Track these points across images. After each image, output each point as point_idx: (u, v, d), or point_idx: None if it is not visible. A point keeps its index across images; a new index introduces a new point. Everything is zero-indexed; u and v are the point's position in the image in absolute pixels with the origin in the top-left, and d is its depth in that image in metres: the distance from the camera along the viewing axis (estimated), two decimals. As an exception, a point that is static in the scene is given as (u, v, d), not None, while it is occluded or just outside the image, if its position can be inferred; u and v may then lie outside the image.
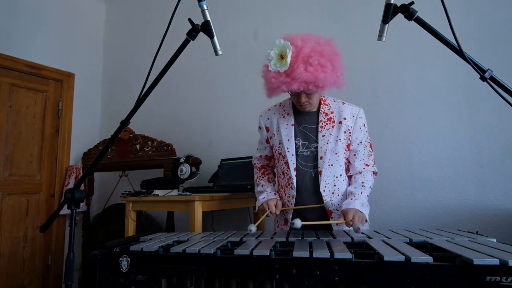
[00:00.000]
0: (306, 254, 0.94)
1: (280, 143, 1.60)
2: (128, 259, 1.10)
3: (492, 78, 0.93)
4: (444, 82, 2.09)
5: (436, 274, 0.83)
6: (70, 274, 1.14)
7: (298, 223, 1.22)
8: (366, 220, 1.43)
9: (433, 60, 2.11)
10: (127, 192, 2.36)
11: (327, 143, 1.52)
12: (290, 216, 1.62)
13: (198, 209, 2.03)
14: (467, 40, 1.99)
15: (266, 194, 1.61)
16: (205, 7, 1.14)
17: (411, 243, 1.09)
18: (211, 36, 1.16)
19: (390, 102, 2.23)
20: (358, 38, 2.36)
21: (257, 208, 1.63)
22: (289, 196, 1.59)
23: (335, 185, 1.55)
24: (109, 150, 3.07)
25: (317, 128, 1.56)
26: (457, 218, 1.98)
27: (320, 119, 1.56)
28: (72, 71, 3.44)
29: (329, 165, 1.53)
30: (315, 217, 1.55)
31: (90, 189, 3.30)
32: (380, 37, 1.05)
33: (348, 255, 0.92)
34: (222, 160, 2.67)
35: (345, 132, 1.54)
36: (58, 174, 3.28)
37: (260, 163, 1.78)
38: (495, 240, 1.09)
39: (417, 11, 0.97)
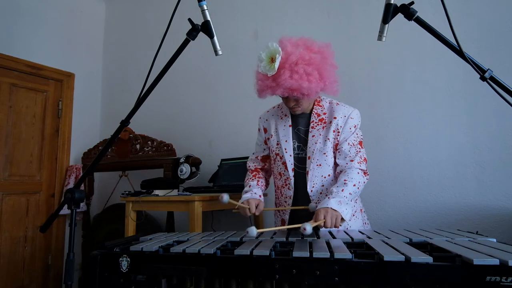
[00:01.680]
0: (306, 254, 0.94)
1: (278, 144, 1.60)
2: (128, 259, 1.10)
3: (492, 78, 0.93)
4: (444, 82, 2.08)
5: (436, 274, 0.83)
6: (70, 274, 1.14)
7: (252, 232, 1.11)
8: (342, 219, 1.32)
9: (433, 60, 2.11)
10: (127, 192, 2.37)
11: (316, 143, 1.51)
12: (287, 217, 1.61)
13: (198, 209, 2.03)
14: (467, 40, 1.99)
15: (250, 194, 1.56)
16: (205, 7, 1.14)
17: (411, 243, 1.09)
18: (211, 36, 1.16)
19: (390, 102, 2.23)
20: (358, 38, 2.36)
21: (237, 205, 1.53)
22: (286, 197, 1.59)
23: (323, 185, 1.53)
24: (109, 150, 3.07)
25: (308, 130, 1.56)
26: (457, 218, 1.98)
27: (311, 120, 1.55)
28: (72, 71, 3.44)
29: (317, 165, 1.52)
30: (309, 218, 1.52)
31: (90, 189, 3.30)
32: (380, 37, 1.05)
33: (348, 255, 0.92)
34: (222, 160, 2.67)
35: (334, 131, 1.51)
36: (58, 174, 3.28)
37: (254, 165, 1.74)
38: (495, 240, 1.09)
39: (417, 11, 0.97)
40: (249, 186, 1.63)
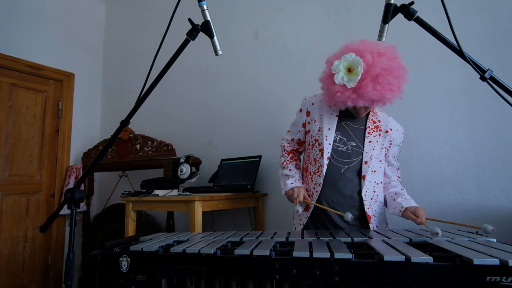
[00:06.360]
0: (306, 254, 0.94)
1: (319, 130, 1.58)
2: (128, 259, 1.10)
3: (492, 78, 0.93)
4: (444, 82, 2.08)
5: (436, 274, 0.83)
6: (70, 274, 1.14)
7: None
8: None
9: (433, 60, 2.11)
10: (127, 192, 2.36)
11: (373, 149, 1.54)
12: (312, 206, 1.61)
13: (198, 209, 2.03)
14: (467, 40, 1.99)
15: (294, 180, 1.62)
16: (205, 7, 1.14)
17: (411, 243, 1.09)
18: (211, 36, 1.16)
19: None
20: (358, 38, 2.35)
21: (283, 191, 1.64)
22: (316, 184, 1.57)
23: (374, 191, 1.56)
24: (109, 150, 3.07)
25: (364, 132, 1.57)
26: (457, 218, 1.98)
27: (368, 125, 1.58)
28: (72, 71, 3.44)
29: (372, 171, 1.54)
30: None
31: (90, 189, 3.30)
32: (380, 37, 1.05)
33: (348, 255, 0.92)
34: (222, 160, 2.67)
35: (389, 142, 1.60)
36: (58, 174, 3.28)
37: (290, 146, 1.76)
38: (495, 240, 1.09)
39: (417, 11, 0.97)
40: (290, 169, 1.69)
